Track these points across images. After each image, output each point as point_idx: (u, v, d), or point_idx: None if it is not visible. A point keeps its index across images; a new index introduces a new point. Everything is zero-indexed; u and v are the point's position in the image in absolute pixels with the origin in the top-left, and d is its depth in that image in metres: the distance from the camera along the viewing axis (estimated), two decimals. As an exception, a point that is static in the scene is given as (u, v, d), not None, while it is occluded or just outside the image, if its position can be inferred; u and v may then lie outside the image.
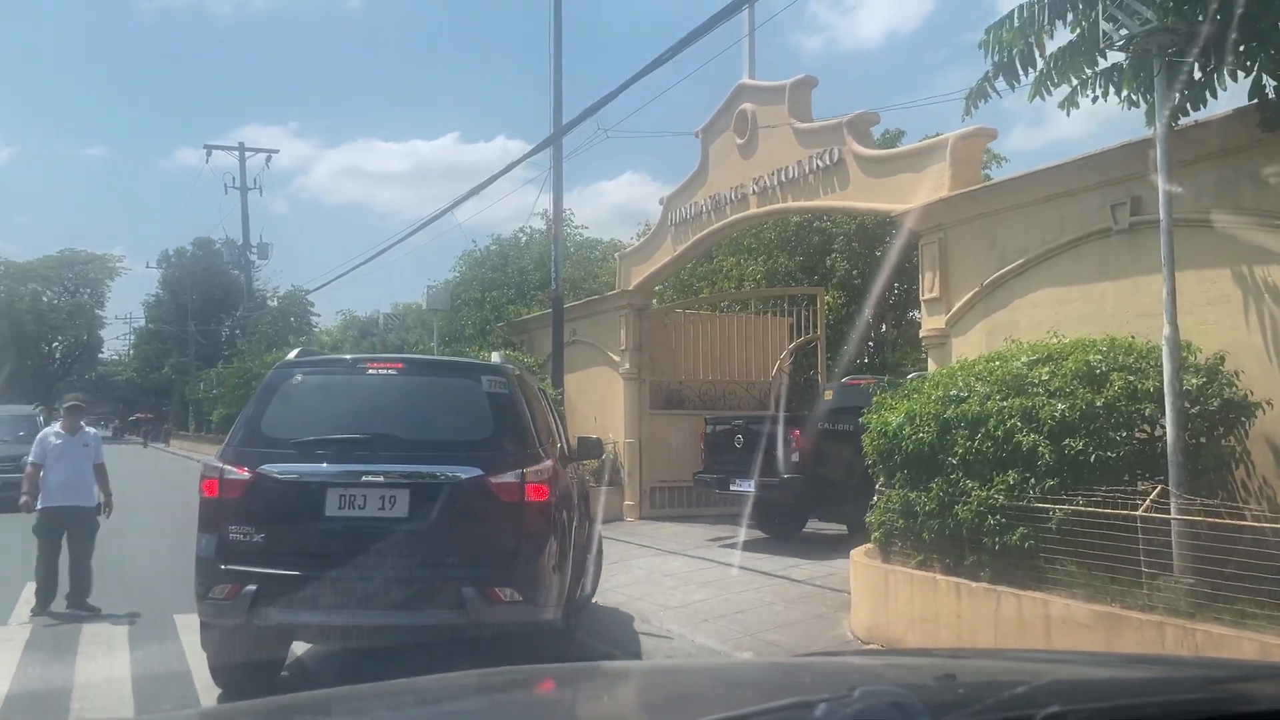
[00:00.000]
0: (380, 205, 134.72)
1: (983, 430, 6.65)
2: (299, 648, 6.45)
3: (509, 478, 5.39)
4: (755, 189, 12.13)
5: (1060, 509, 6.07)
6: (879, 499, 7.78)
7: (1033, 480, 6.32)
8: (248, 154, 41.92)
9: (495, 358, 6.65)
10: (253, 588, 5.14)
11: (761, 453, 10.85)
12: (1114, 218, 7.69)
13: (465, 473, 5.38)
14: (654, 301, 16.25)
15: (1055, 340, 7.22)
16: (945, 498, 6.81)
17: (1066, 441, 6.20)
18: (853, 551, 8.22)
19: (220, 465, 5.51)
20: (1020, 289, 8.58)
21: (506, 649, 5.22)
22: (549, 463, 5.68)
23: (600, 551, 8.51)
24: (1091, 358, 6.58)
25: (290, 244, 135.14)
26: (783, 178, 11.62)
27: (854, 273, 17.73)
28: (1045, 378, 6.66)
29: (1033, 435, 6.37)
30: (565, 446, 7.31)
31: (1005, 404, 6.62)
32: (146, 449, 49.17)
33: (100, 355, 73.75)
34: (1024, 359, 7.02)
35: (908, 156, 9.94)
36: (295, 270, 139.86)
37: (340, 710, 1.63)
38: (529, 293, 25.47)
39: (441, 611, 5.22)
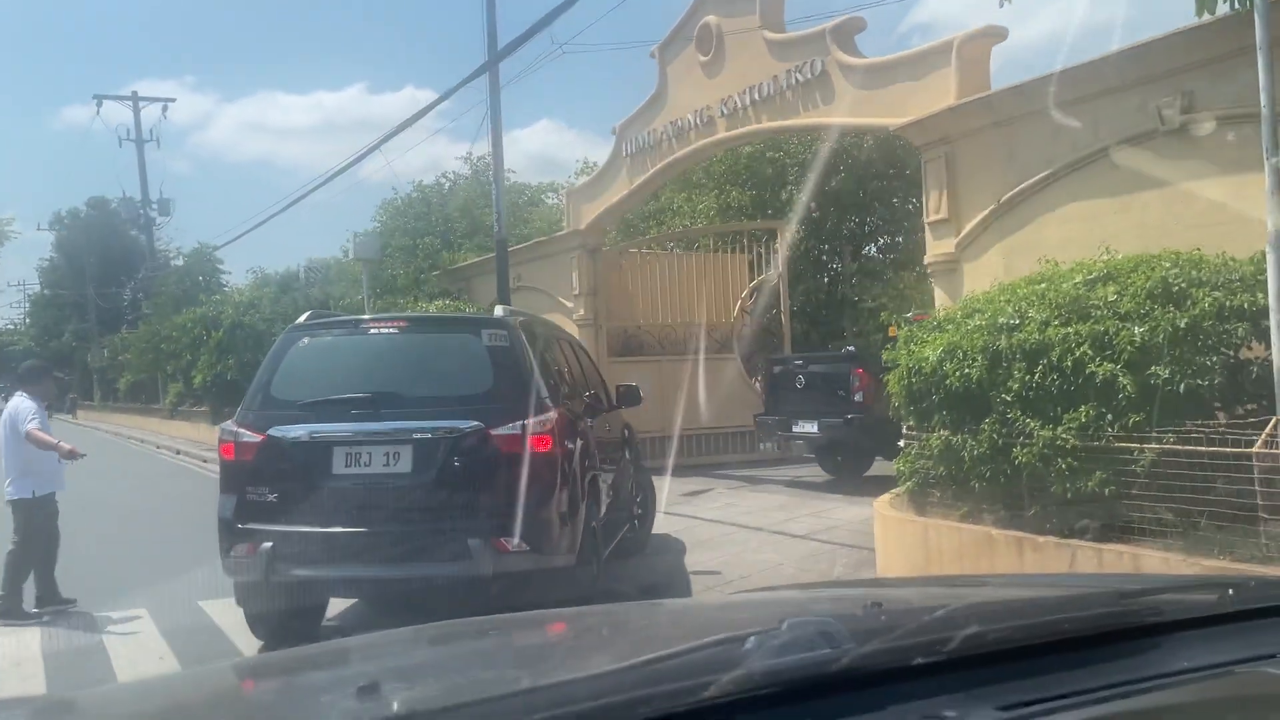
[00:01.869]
0: (285, 161, 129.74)
1: (1044, 362, 5.76)
2: (342, 600, 6.57)
3: (510, 429, 5.44)
4: (724, 110, 11.05)
5: (1149, 447, 5.22)
6: (908, 445, 6.91)
7: (1110, 416, 5.47)
8: (142, 105, 39.32)
9: (498, 311, 6.29)
10: (269, 545, 5.35)
11: (824, 392, 10.58)
12: (1160, 118, 6.83)
13: (466, 426, 5.44)
14: (606, 242, 15.09)
15: (1108, 257, 6.35)
16: (1000, 440, 5.93)
17: (1151, 370, 5.34)
18: (875, 503, 7.36)
19: (235, 429, 5.74)
20: (1045, 204, 7.72)
21: (523, 596, 5.35)
22: (553, 413, 5.64)
23: (652, 497, 8.59)
24: (1168, 273, 5.72)
25: (193, 203, 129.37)
26: (755, 96, 10.55)
27: (811, 205, 16.80)
28: (1111, 298, 5.79)
29: (1107, 365, 5.49)
30: (604, 395, 7.44)
31: (1069, 330, 5.74)
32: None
33: (-8, 324, 69.56)
34: (1078, 279, 6.14)
35: (904, 63, 8.96)
36: (200, 229, 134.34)
37: (356, 658, 1.78)
38: (455, 241, 24.05)
39: (448, 563, 5.35)
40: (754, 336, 15.30)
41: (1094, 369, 5.51)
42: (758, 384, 14.89)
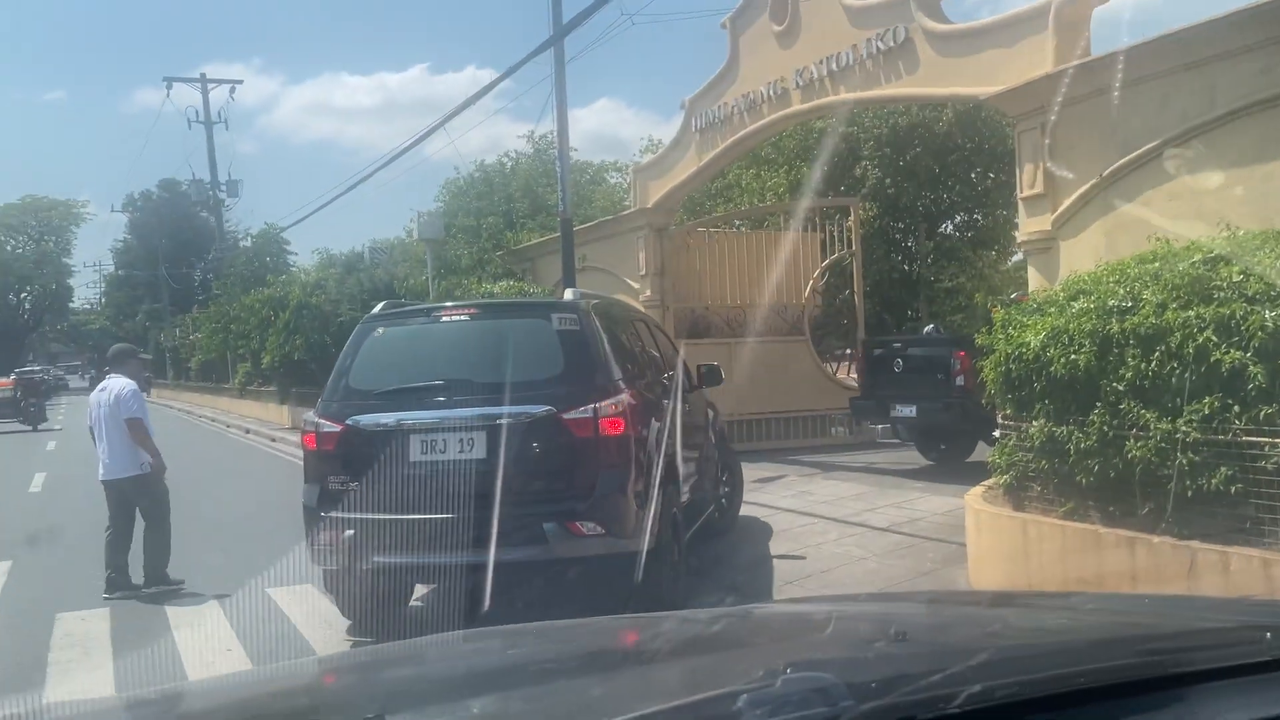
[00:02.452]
0: (349, 141, 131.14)
1: (1161, 348, 5.30)
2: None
3: (582, 412, 5.44)
4: (799, 82, 10.61)
5: (1286, 443, 4.76)
6: (1005, 436, 6.49)
7: (1237, 408, 5.00)
8: (210, 86, 39.75)
9: (569, 294, 6.27)
10: (350, 533, 5.45)
11: (924, 375, 10.34)
12: (1287, 82, 6.27)
13: (537, 410, 5.44)
14: (673, 221, 14.72)
15: (1229, 233, 5.85)
16: (1110, 432, 5.49)
17: (1286, 358, 4.87)
18: (966, 496, 6.95)
19: (316, 419, 5.85)
20: (1152, 178, 7.19)
21: (600, 579, 5.48)
22: (626, 395, 5.61)
23: (739, 479, 8.65)
24: (1303, 249, 5.22)
25: (260, 184, 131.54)
26: (833, 66, 10.10)
27: (886, 181, 16.25)
28: (1237, 279, 5.30)
29: (1235, 352, 5.02)
30: (686, 375, 7.41)
31: (1190, 314, 5.27)
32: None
33: (71, 305, 71.53)
34: (1197, 257, 5.65)
35: (996, 29, 8.44)
36: (266, 210, 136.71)
37: (403, 660, 1.86)
38: (517, 221, 23.87)
39: (524, 548, 5.36)
40: (826, 318, 14.86)
41: (1219, 356, 5.04)
42: (844, 368, 14.50)
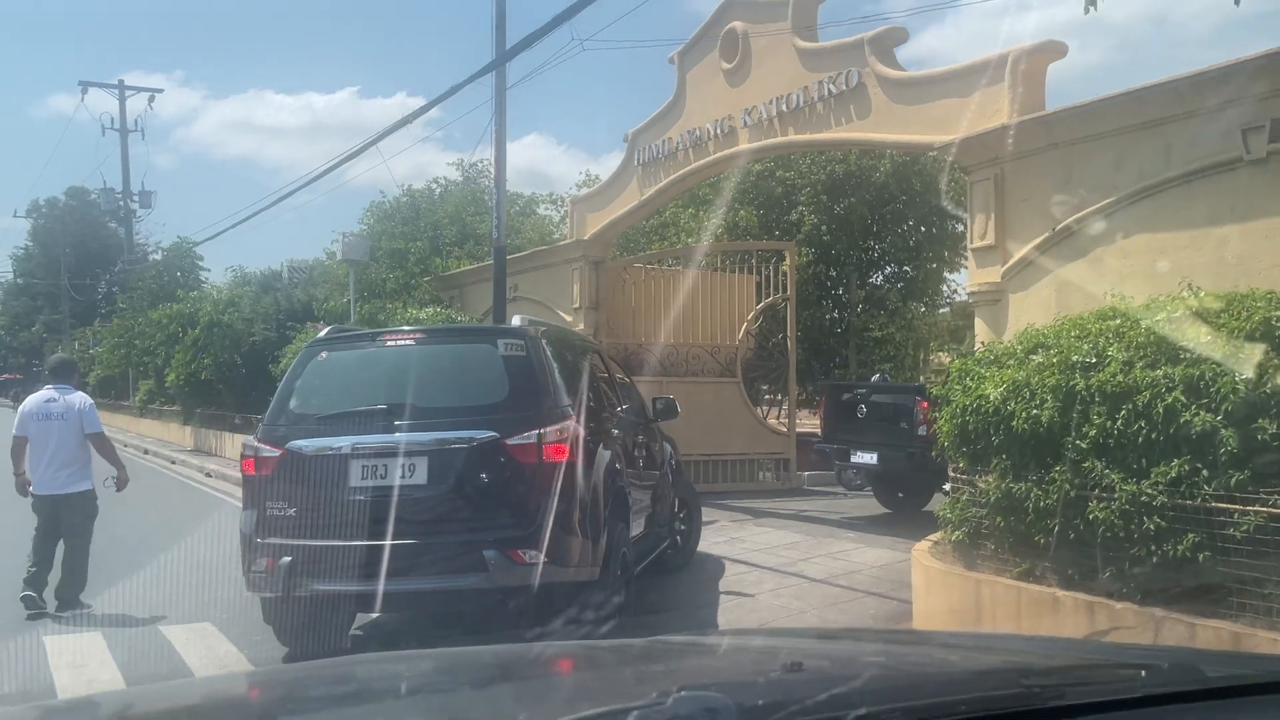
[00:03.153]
0: (271, 161, 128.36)
1: (1128, 406, 5.13)
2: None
3: (525, 439, 5.34)
4: (747, 121, 10.45)
5: (1257, 510, 4.60)
6: (956, 490, 6.28)
7: (1206, 472, 4.85)
8: (128, 94, 38.39)
9: (516, 320, 6.15)
10: (288, 559, 5.33)
11: (887, 422, 10.28)
12: (1245, 145, 6.27)
13: (481, 436, 5.36)
14: (610, 255, 14.42)
15: (1189, 294, 5.75)
16: (1072, 491, 5.30)
17: (1259, 423, 4.73)
18: (914, 550, 6.70)
19: (256, 444, 5.72)
20: (1106, 235, 7.14)
21: (546, 609, 5.27)
22: (570, 422, 5.51)
23: (698, 514, 8.64)
24: (1270, 314, 5.12)
25: (174, 199, 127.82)
26: (783, 107, 9.96)
27: (822, 228, 16.23)
28: (1204, 340, 5.18)
29: (1205, 414, 4.87)
30: (640, 408, 7.49)
31: (1158, 373, 5.12)
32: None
33: (-39, 312, 68.01)
34: (1161, 316, 5.53)
35: (951, 78, 8.38)
36: (180, 225, 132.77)
37: (362, 676, 1.84)
38: (444, 248, 23.32)
39: (464, 575, 5.29)
40: (759, 361, 14.68)
41: (1189, 418, 4.89)
42: (774, 412, 14.29)
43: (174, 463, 19.75)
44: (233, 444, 19.47)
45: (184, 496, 14.88)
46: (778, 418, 15.55)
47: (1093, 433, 5.23)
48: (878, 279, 18.28)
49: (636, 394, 8.04)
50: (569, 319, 13.67)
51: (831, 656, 2.02)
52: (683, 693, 1.22)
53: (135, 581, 7.90)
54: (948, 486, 6.49)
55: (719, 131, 10.89)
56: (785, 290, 14.22)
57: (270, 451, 5.63)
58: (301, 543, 5.37)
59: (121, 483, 7.41)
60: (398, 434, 5.41)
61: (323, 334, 6.29)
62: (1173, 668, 1.61)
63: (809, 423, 18.18)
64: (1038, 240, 7.53)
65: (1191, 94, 6.55)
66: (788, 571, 8.33)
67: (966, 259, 18.22)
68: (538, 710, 1.41)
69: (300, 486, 5.49)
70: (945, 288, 18.91)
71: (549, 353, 5.79)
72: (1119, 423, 5.14)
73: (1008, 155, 7.73)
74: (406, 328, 7.62)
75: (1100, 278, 6.96)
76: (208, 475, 17.14)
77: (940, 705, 1.36)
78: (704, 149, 11.15)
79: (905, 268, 18.05)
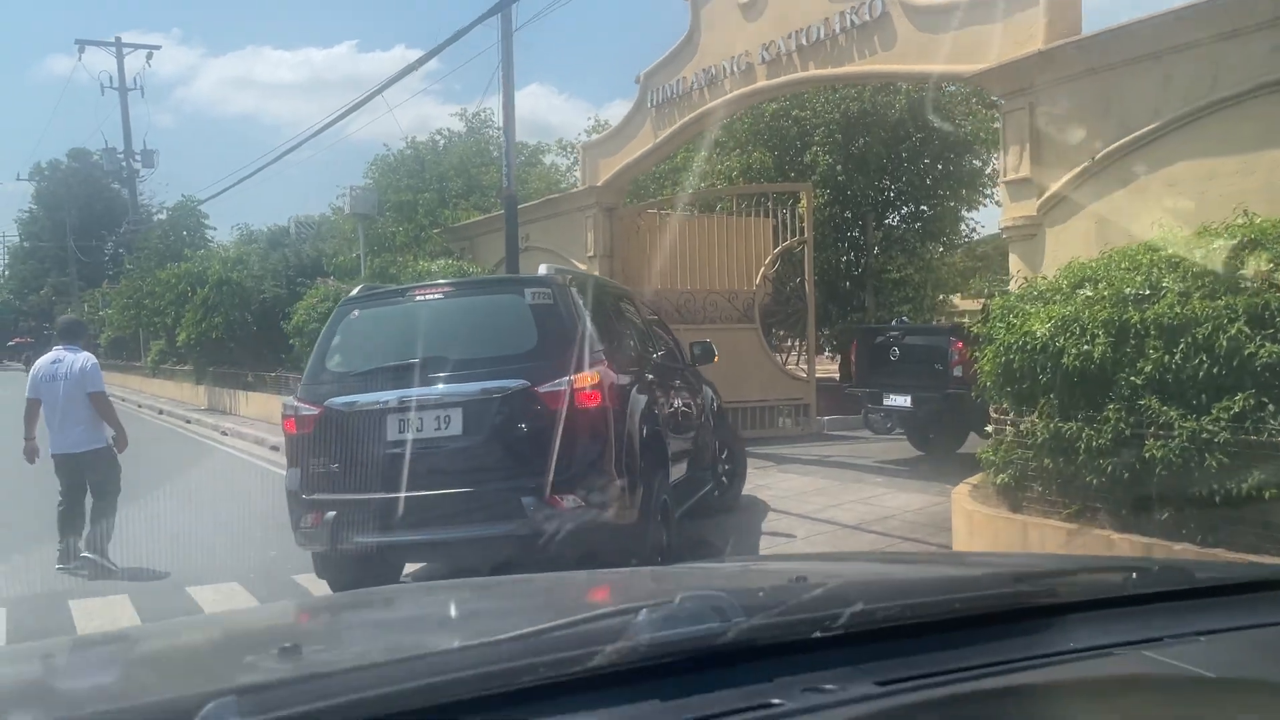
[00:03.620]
0: (271, 117, 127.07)
1: (1186, 340, 4.91)
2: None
3: (557, 385, 5.38)
4: (765, 57, 10.09)
5: (1329, 446, 4.39)
6: (999, 431, 6.08)
7: (1272, 407, 4.63)
8: (126, 52, 37.83)
9: (543, 269, 6.09)
10: (333, 514, 5.46)
11: (920, 365, 10.02)
12: (1301, 63, 5.94)
13: (512, 385, 5.41)
14: (623, 202, 14.10)
15: (1246, 219, 5.49)
16: (1128, 430, 5.09)
17: (1329, 353, 4.50)
18: (954, 493, 6.52)
19: (295, 403, 5.87)
20: (1149, 162, 6.84)
21: (586, 553, 5.31)
22: (602, 368, 5.54)
23: (742, 457, 8.64)
24: (1337, 239, 4.86)
25: (177, 158, 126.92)
26: (802, 41, 9.59)
27: (838, 168, 15.85)
28: (1265, 267, 4.94)
29: (1271, 346, 4.65)
30: (678, 353, 7.62)
31: (1219, 304, 4.88)
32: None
33: (-31, 277, 67.97)
34: (1217, 244, 5.27)
35: (981, 4, 7.99)
36: (183, 185, 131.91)
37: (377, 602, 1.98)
38: (450, 200, 22.98)
39: (503, 522, 5.37)
40: (776, 306, 14.43)
41: (1253, 350, 4.67)
42: (792, 358, 14.06)
43: (189, 422, 19.67)
44: (247, 402, 19.37)
45: (202, 456, 14.79)
46: (796, 363, 15.33)
47: (1149, 368, 5.01)
48: (894, 219, 17.92)
49: (672, 338, 7.96)
50: (583, 268, 13.40)
51: (837, 572, 2.14)
52: (690, 593, 1.26)
53: (159, 542, 7.83)
54: (990, 428, 6.30)
55: (735, 69, 10.53)
56: (802, 233, 13.92)
57: (309, 410, 5.74)
58: (345, 497, 5.50)
59: (120, 445, 7.34)
60: (430, 387, 5.49)
61: (354, 293, 6.37)
62: (1162, 569, 1.66)
63: (828, 368, 18.00)
64: (1076, 171, 7.23)
65: (1239, 10, 6.21)
66: (818, 518, 8.17)
67: (984, 196, 17.98)
68: (548, 615, 1.39)
69: (340, 443, 5.60)
70: (964, 226, 18.58)
71: (578, 299, 5.80)
72: (1177, 357, 4.91)
73: (1043, 83, 7.40)
74: (435, 282, 7.63)
75: (1144, 208, 6.68)
76: (224, 434, 17.04)
77: (935, 604, 1.41)
78: (720, 88, 10.80)
79: (922, 207, 17.69)
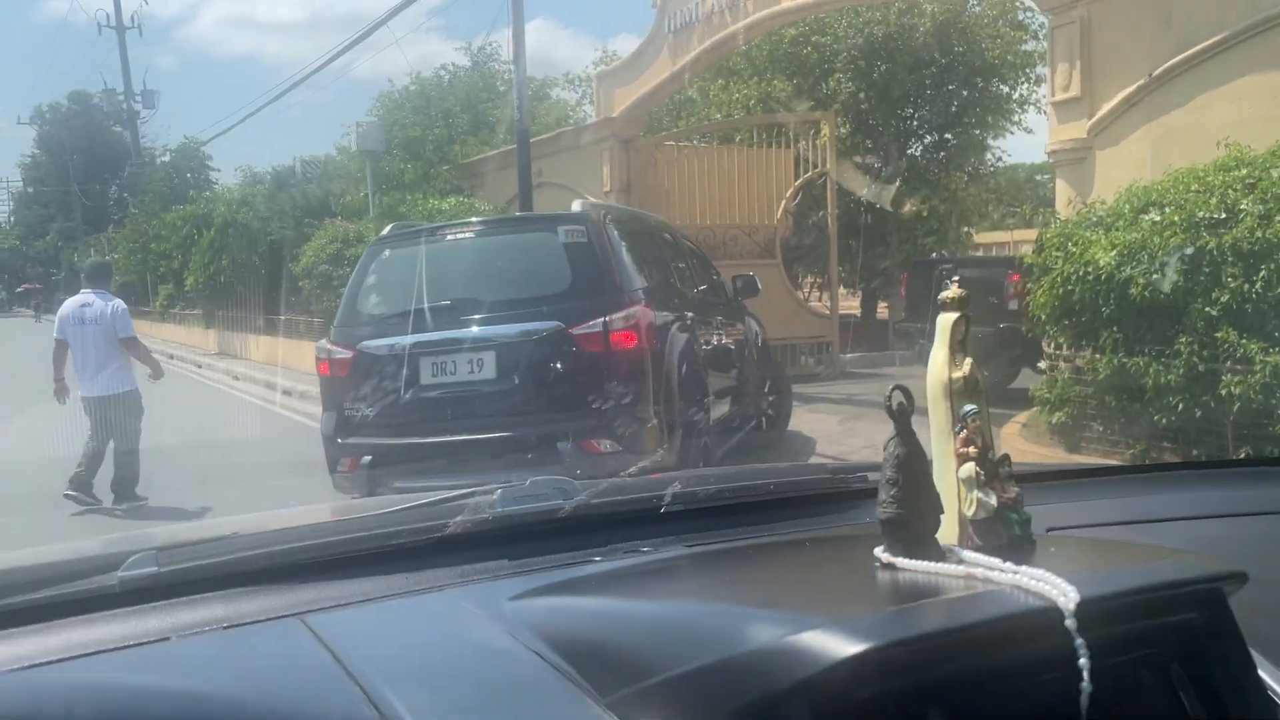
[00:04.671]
0: (272, 58, 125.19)
1: (1268, 267, 4.56)
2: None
3: (591, 327, 5.23)
4: (790, -25, 9.57)
5: None
6: (1054, 367, 5.76)
7: (1366, 338, 4.29)
8: (122, -12, 36.93)
9: (576, 205, 5.83)
10: (368, 459, 5.36)
11: (975, 298, 9.51)
12: (1387, -35, 5.48)
13: (545, 327, 5.26)
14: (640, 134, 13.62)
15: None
16: (1201, 365, 4.76)
17: None
18: (1001, 433, 6.21)
19: (328, 346, 5.75)
20: (1212, 78, 6.40)
21: None
22: (639, 308, 5.35)
23: (788, 394, 8.44)
24: None
25: (178, 100, 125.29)
26: (832, -44, 9.07)
27: (860, 96, 15.28)
28: (1357, 187, 4.56)
29: (1365, 271, 4.29)
30: (720, 289, 7.37)
31: (1303, 227, 4.52)
32: (39, 322, 45.18)
33: (-24, 223, 67.61)
34: (1298, 162, 4.88)
35: (1028, -90, 7.49)
36: (185, 127, 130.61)
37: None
38: (457, 137, 22.42)
39: (538, 468, 5.11)
40: (798, 241, 14.03)
41: (1344, 277, 4.32)
42: (815, 295, 13.70)
43: (200, 367, 19.45)
44: (258, 346, 19.11)
45: (216, 401, 14.59)
46: (820, 299, 14.98)
47: (1225, 298, 4.67)
48: (917, 150, 17.34)
49: (715, 272, 7.71)
50: (598, 204, 13.00)
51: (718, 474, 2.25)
52: (541, 477, 1.42)
53: (182, 480, 7.69)
54: (1043, 364, 5.97)
55: (758, -11, 10.01)
56: (824, 165, 13.44)
57: (343, 353, 5.63)
58: (380, 441, 5.41)
59: (156, 375, 7.68)
60: (463, 330, 5.36)
61: (385, 232, 6.24)
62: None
63: (849, 305, 17.62)
64: (1130, 90, 6.80)
65: (1322, -92, 5.73)
66: (857, 460, 7.89)
67: (1011, 123, 17.38)
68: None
69: (374, 386, 5.50)
70: (989, 155, 18.00)
71: (614, 236, 5.60)
72: (1258, 285, 4.57)
73: (1096, -6, 6.92)
74: (468, 220, 7.53)
75: (1204, 128, 6.26)
76: (236, 379, 16.81)
77: (738, 488, 1.60)
78: (741, 9, 10.29)
79: (946, 135, 17.10)
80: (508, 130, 20.21)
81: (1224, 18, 6.27)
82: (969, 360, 1.09)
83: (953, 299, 1.10)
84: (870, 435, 8.73)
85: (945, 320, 1.10)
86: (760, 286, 7.93)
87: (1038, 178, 34.02)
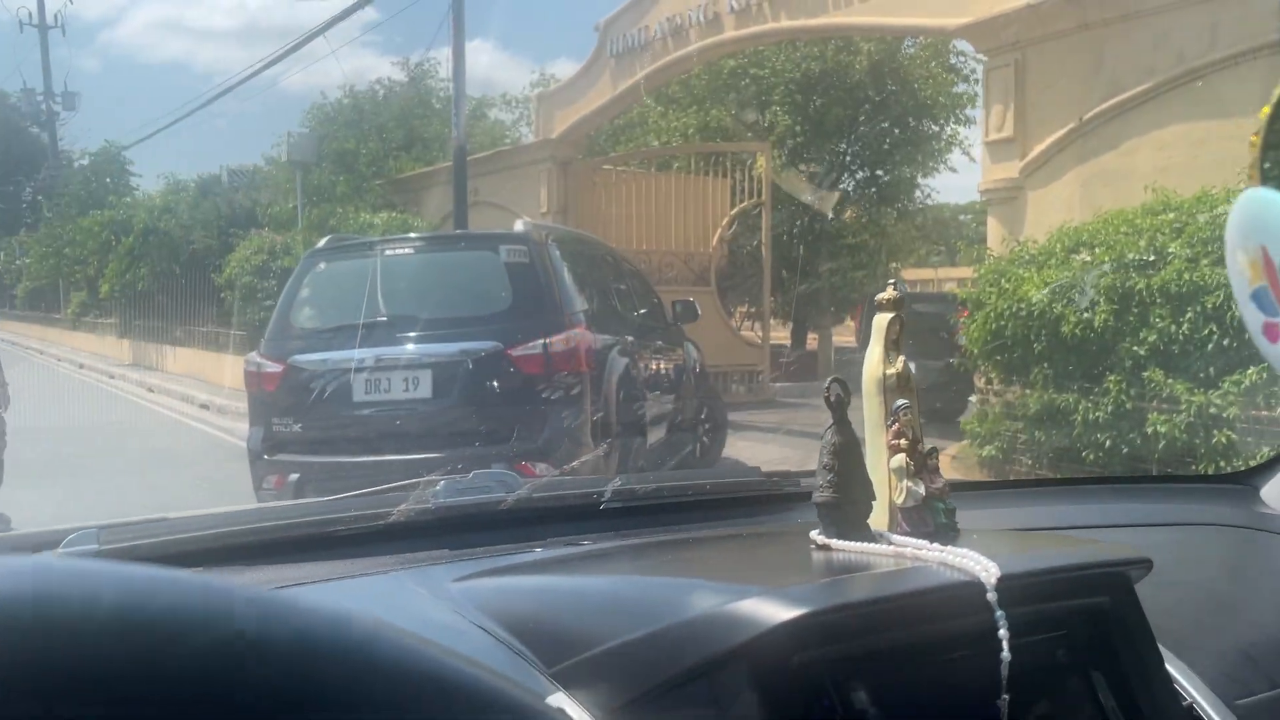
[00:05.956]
0: (204, 65, 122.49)
1: (1194, 309, 4.67)
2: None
3: (530, 349, 5.19)
4: (734, 6, 9.67)
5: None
6: (984, 401, 5.82)
7: (1286, 381, 4.41)
8: (46, -15, 35.84)
9: (519, 225, 5.79)
10: (295, 476, 5.24)
11: (923, 332, 9.64)
12: (1305, 23, 5.70)
13: (483, 347, 5.19)
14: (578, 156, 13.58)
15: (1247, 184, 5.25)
16: (1129, 403, 4.85)
17: (1349, 325, 4.27)
18: (932, 468, 6.26)
19: (258, 359, 5.64)
20: (1140, 124, 6.59)
21: None
22: (578, 330, 5.34)
23: (723, 417, 8.40)
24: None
25: (100, 104, 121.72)
26: (775, -11, 9.19)
27: (796, 128, 15.48)
28: None
29: (1286, 316, 4.41)
30: (659, 312, 7.32)
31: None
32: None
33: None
34: (1220, 209, 5.02)
35: (966, -46, 7.67)
36: (108, 132, 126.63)
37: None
38: (391, 152, 22.14)
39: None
40: (733, 269, 14.10)
41: (1268, 321, 4.43)
42: (746, 324, 13.75)
43: (112, 377, 18.77)
44: (174, 358, 18.51)
45: (126, 414, 14.06)
46: (751, 329, 15.07)
47: (1153, 338, 4.76)
48: (849, 184, 17.63)
49: (655, 297, 7.76)
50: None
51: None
52: (484, 470, 1.48)
53: (76, 504, 7.27)
54: (974, 398, 6.05)
55: (702, 18, 10.09)
56: (759, 194, 13.56)
57: (272, 366, 5.50)
58: (309, 459, 5.30)
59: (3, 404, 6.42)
60: (398, 347, 5.28)
61: (321, 244, 6.12)
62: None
63: (779, 335, 17.75)
64: (1062, 132, 6.97)
65: (1246, -34, 5.95)
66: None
67: (939, 162, 17.80)
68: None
69: (304, 402, 5.37)
70: (919, 193, 18.37)
71: (556, 257, 5.56)
72: (1184, 327, 4.67)
73: (1032, 38, 7.10)
74: (407, 236, 7.45)
75: (1131, 172, 6.44)
76: (150, 391, 16.25)
77: (675, 487, 1.65)
78: (684, 37, 10.36)
79: (878, 171, 17.43)
80: (442, 147, 20.06)
81: (1153, 66, 6.47)
82: (902, 358, 1.14)
83: (888, 300, 1.14)
84: (804, 462, 8.77)
85: (881, 320, 1.14)
86: (700, 312, 7.95)
87: (961, 217, 34.96)
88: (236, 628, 0.42)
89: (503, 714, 0.46)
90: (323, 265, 5.84)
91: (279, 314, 5.80)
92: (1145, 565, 1.08)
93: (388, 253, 5.87)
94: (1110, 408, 4.89)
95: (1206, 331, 4.58)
